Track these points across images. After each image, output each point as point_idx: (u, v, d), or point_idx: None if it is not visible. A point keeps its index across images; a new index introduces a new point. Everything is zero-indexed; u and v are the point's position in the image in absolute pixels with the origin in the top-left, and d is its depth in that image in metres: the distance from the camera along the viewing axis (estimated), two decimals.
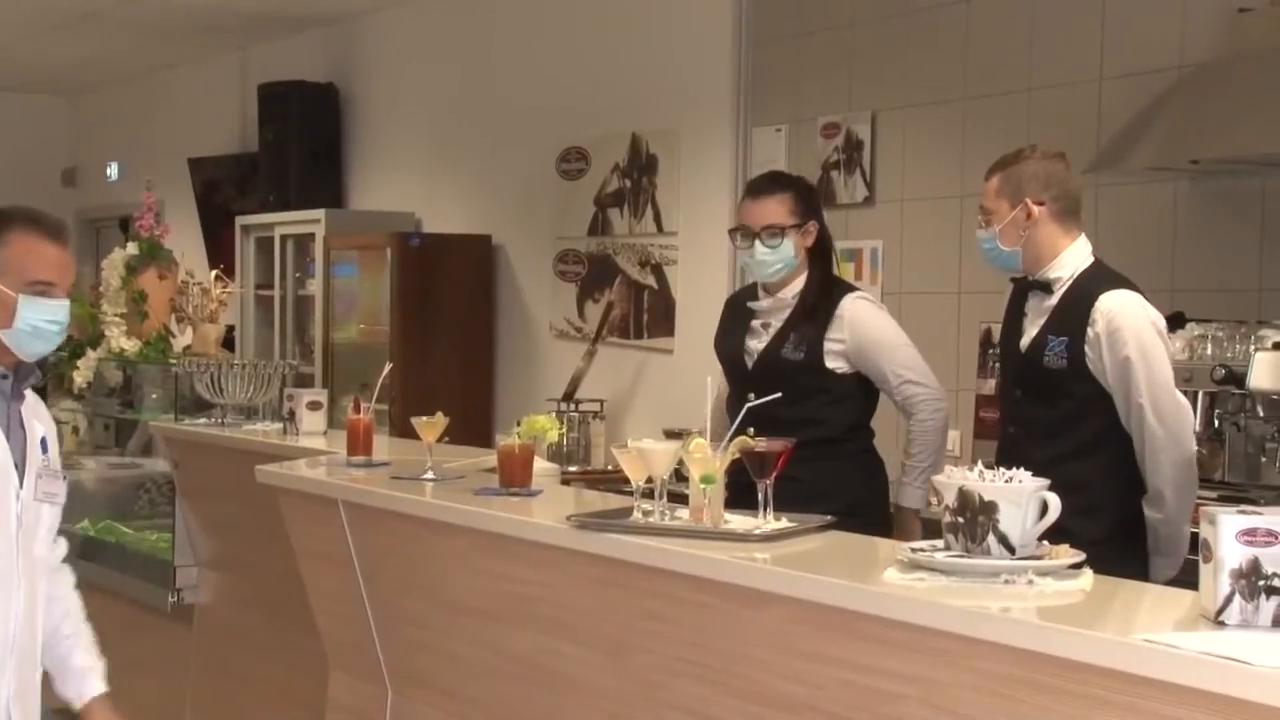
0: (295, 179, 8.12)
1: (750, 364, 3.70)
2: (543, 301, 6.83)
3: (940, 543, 2.32)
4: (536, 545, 2.86)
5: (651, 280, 6.19)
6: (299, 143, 8.12)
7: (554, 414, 4.88)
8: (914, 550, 2.31)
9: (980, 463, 2.34)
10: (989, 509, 2.23)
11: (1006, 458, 2.97)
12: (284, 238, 7.95)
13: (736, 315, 3.81)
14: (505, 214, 7.08)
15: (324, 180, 8.16)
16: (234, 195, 8.92)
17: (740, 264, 3.64)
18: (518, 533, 2.92)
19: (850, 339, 3.64)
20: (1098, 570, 2.28)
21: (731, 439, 2.62)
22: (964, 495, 2.25)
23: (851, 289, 3.77)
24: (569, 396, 6.12)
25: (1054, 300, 3.21)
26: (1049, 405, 3.19)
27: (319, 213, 7.62)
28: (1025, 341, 3.25)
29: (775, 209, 3.65)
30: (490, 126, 7.14)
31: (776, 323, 3.70)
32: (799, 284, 3.69)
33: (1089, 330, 3.11)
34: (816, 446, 3.50)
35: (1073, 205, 3.25)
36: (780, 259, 3.64)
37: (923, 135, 5.11)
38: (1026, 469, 2.30)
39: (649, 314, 6.21)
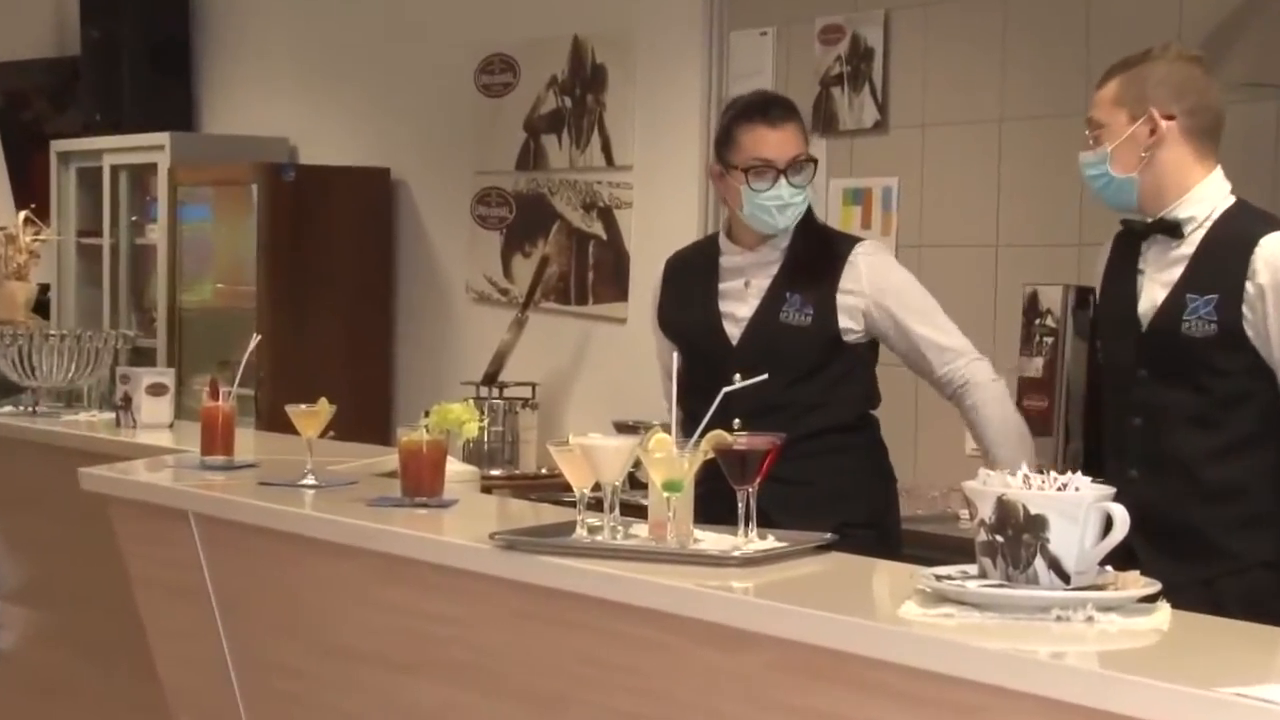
0: (130, 92, 8.04)
1: (737, 335, 3.70)
2: (457, 255, 6.81)
3: (973, 568, 2.33)
4: (449, 571, 2.87)
5: (599, 228, 6.19)
6: (135, 44, 8.04)
7: (472, 401, 4.87)
8: (939, 578, 2.33)
9: (1025, 465, 2.35)
10: (1037, 525, 2.24)
11: (1135, 458, 2.97)
12: (115, 169, 7.89)
13: (694, 277, 3.81)
14: (408, 141, 7.05)
15: (168, 94, 8.09)
16: (48, 112, 8.83)
17: (747, 212, 3.62)
18: (425, 555, 2.93)
19: (870, 290, 3.66)
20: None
21: (704, 433, 2.62)
22: (1004, 507, 2.26)
23: (858, 238, 3.84)
24: (491, 379, 6.11)
25: (1187, 249, 3.19)
26: (1191, 388, 3.14)
27: (162, 137, 7.56)
28: (1148, 306, 3.22)
29: (796, 136, 3.68)
30: (389, 28, 7.10)
31: (761, 281, 3.71)
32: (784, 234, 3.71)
33: (1248, 284, 3.09)
34: (827, 438, 3.53)
35: (1212, 124, 3.23)
36: (805, 200, 3.68)
37: (951, 41, 5.11)
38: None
39: (595, 272, 6.20)
